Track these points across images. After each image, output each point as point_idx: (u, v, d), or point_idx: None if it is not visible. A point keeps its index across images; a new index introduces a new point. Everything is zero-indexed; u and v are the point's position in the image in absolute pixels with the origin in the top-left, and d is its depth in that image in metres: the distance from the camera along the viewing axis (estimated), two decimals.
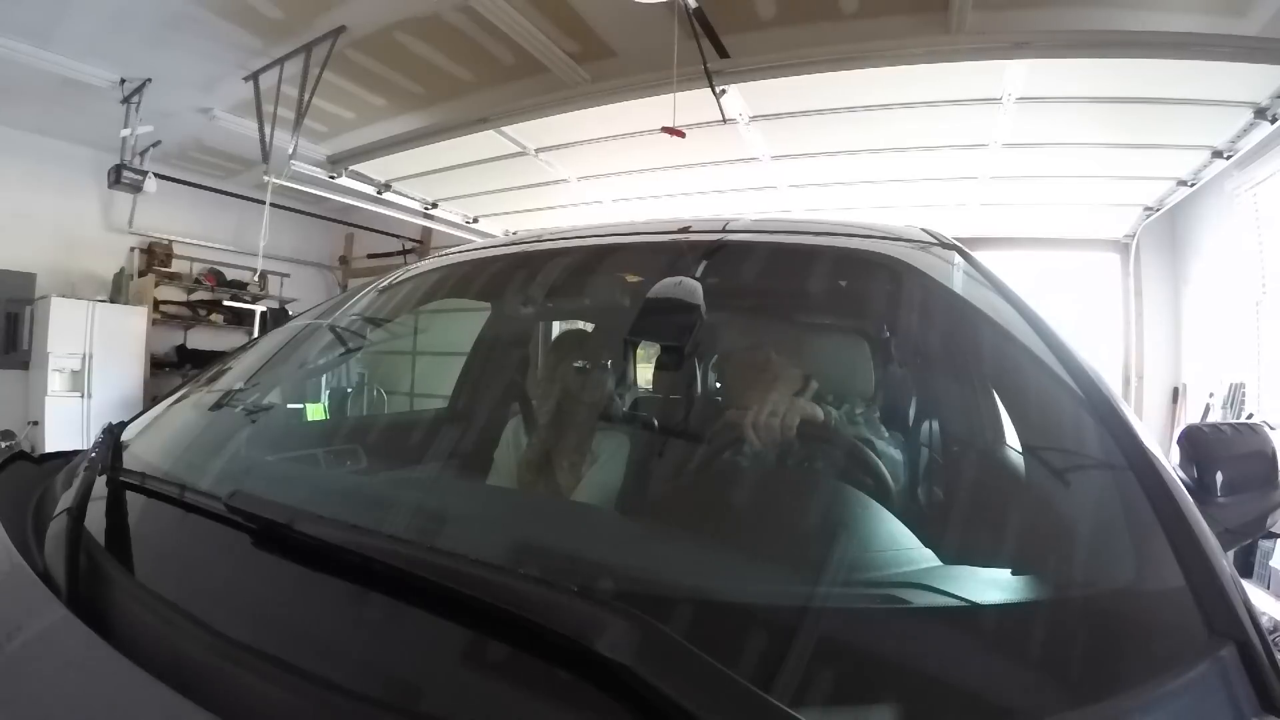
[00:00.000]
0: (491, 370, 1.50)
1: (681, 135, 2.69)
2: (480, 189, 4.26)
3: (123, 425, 0.88)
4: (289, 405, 1.22)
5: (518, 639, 0.42)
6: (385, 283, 1.29)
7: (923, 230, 1.10)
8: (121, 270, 5.40)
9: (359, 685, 0.45)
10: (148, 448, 0.87)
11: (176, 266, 5.75)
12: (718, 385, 1.17)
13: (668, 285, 0.80)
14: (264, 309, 5.72)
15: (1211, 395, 3.80)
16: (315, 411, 1.42)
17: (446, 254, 1.36)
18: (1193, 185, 3.40)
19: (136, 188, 4.35)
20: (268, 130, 3.66)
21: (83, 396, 4.81)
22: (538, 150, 3.58)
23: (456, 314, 1.69)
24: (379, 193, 4.24)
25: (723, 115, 2.89)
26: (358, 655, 0.49)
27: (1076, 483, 0.63)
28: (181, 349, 5.80)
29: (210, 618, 0.51)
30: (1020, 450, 0.72)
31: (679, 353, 0.82)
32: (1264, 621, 0.46)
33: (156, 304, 5.49)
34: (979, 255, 0.97)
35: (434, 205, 4.58)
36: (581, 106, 3.09)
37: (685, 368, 1.13)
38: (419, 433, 1.59)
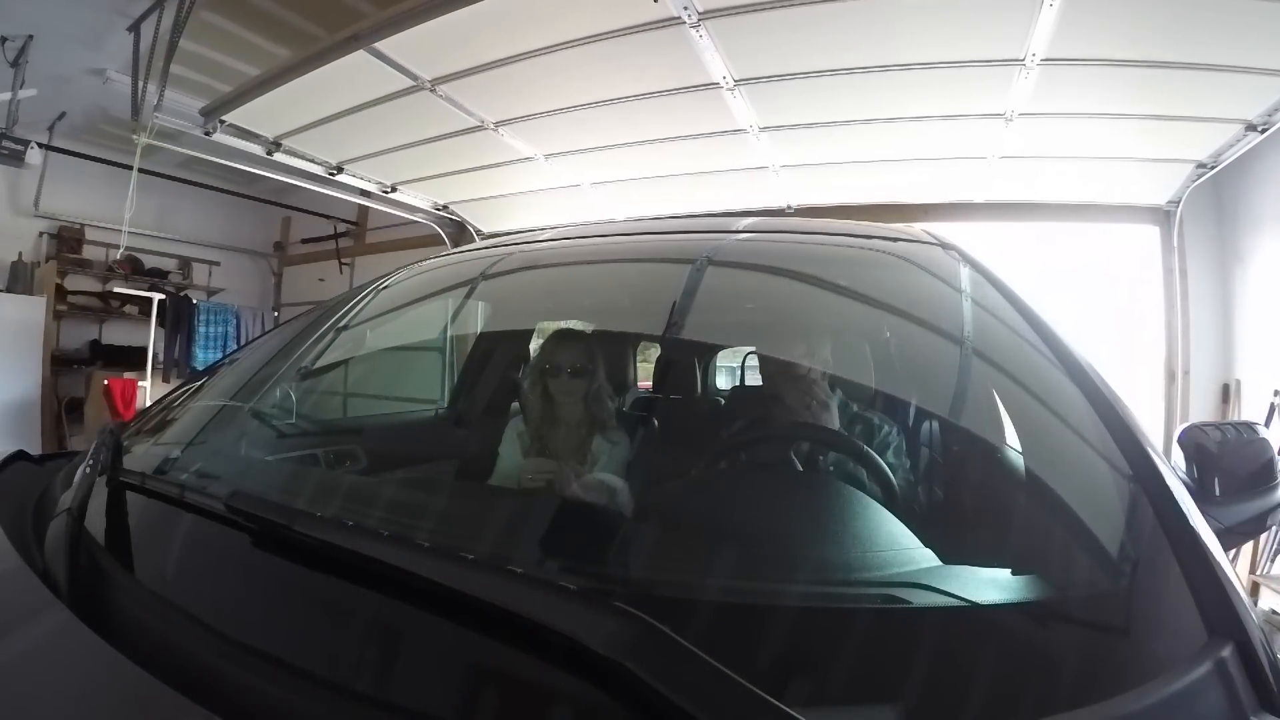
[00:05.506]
0: (493, 371, 1.51)
1: None
2: (388, 144, 3.50)
3: (123, 426, 0.88)
4: (288, 406, 1.23)
5: (518, 639, 0.42)
6: (385, 283, 1.30)
7: (925, 231, 1.11)
8: (19, 256, 4.82)
9: (359, 685, 0.45)
10: (147, 448, 0.87)
11: (90, 253, 5.06)
12: (710, 381, 1.17)
13: None
14: (161, 297, 5.06)
15: (1277, 394, 3.19)
16: (311, 413, 1.42)
17: (449, 254, 1.36)
18: (1264, 130, 2.55)
19: (17, 159, 4.00)
20: (152, 86, 3.08)
21: None
22: (434, 81, 2.78)
23: (458, 314, 1.69)
24: (269, 153, 3.51)
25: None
26: (358, 655, 0.49)
27: (1077, 483, 0.63)
28: (95, 344, 5.19)
29: (210, 618, 0.51)
30: (1020, 450, 0.72)
31: (677, 354, 0.82)
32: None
33: (64, 294, 4.90)
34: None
35: (339, 169, 3.82)
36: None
37: (684, 369, 1.13)
38: (420, 433, 1.59)
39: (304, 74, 2.76)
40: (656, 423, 1.14)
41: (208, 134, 3.23)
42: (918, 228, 1.12)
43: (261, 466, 0.93)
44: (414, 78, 2.76)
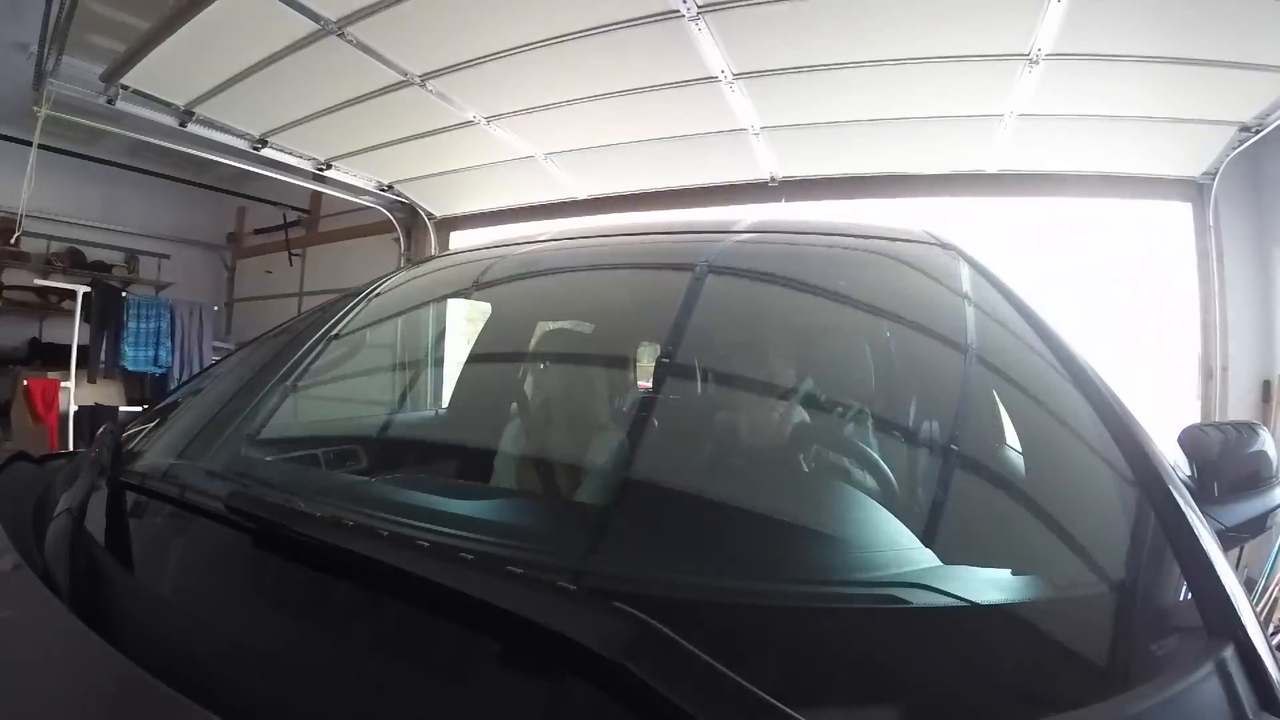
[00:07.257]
0: (492, 373, 1.51)
1: None
2: (309, 110, 3.09)
3: (123, 426, 0.88)
4: (288, 407, 1.23)
5: (518, 639, 0.42)
6: (383, 283, 1.30)
7: (925, 231, 1.11)
8: None
9: (359, 685, 0.45)
10: (148, 448, 0.87)
11: (29, 246, 4.71)
12: (710, 381, 1.17)
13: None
14: (86, 289, 4.65)
15: None
16: (311, 413, 1.43)
17: (449, 255, 1.36)
18: None
19: None
20: (63, 54, 2.72)
21: None
22: (339, 22, 2.35)
23: (459, 316, 1.69)
24: (182, 123, 3.15)
25: None
26: (358, 655, 0.49)
27: (1077, 483, 0.63)
28: (35, 343, 4.90)
29: (210, 617, 0.51)
30: (1020, 451, 0.72)
31: (677, 355, 0.82)
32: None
33: None
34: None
35: (263, 142, 3.42)
36: None
37: (684, 369, 1.13)
38: (420, 434, 1.59)
39: (195, 17, 2.34)
40: (656, 422, 1.14)
41: (110, 102, 2.93)
42: (918, 228, 1.12)
43: (261, 467, 0.93)
44: (315, 18, 2.33)
